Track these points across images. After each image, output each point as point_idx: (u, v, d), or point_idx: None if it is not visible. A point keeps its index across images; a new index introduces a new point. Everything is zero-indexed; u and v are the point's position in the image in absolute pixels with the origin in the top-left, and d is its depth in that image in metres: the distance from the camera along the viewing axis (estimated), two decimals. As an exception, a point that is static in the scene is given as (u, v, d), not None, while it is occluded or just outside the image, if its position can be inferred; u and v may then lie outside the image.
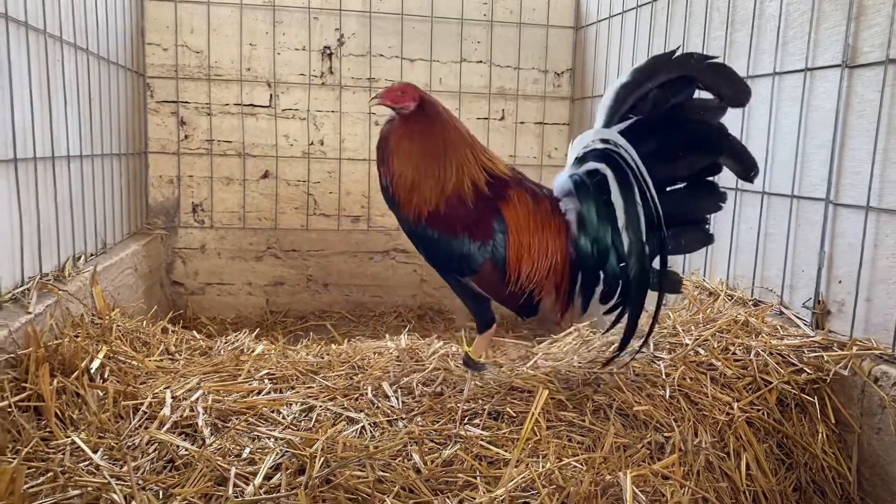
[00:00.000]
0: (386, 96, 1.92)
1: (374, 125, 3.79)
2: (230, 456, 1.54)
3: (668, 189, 1.92)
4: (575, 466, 1.54)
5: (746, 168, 1.88)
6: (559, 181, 2.00)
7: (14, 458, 1.45)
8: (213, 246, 3.76)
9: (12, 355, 1.71)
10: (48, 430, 1.62)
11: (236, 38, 3.63)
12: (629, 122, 1.89)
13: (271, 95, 3.71)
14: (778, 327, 2.15)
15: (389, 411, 1.80)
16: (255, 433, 1.64)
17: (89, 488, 1.38)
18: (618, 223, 1.82)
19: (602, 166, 1.87)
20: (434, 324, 3.62)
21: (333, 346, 2.43)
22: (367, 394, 1.90)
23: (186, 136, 3.66)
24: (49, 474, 1.42)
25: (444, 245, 1.92)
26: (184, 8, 3.56)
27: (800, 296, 2.23)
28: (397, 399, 1.87)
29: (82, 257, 2.55)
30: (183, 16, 3.57)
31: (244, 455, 1.54)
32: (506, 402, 1.87)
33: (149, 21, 3.53)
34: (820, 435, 1.91)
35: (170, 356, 2.13)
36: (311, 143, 3.78)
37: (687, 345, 2.13)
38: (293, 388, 1.95)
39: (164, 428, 1.63)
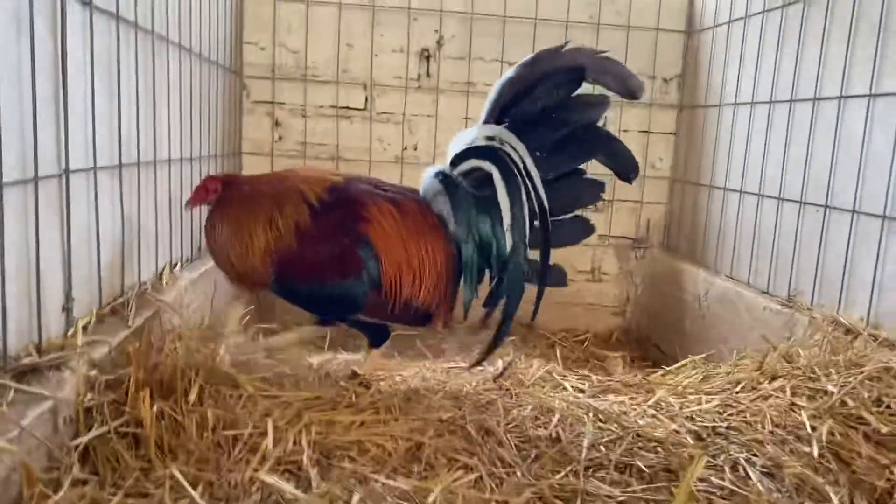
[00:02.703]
0: (195, 200, 1.98)
1: (470, 131, 3.64)
2: (339, 502, 1.41)
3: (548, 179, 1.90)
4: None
5: (623, 169, 1.93)
6: (426, 181, 2.02)
7: (115, 494, 1.35)
8: (302, 250, 3.67)
9: (112, 377, 1.62)
10: (146, 458, 1.53)
11: (334, 38, 3.53)
12: (508, 121, 1.90)
13: (367, 98, 3.60)
14: (940, 379, 1.90)
15: (504, 457, 1.65)
16: (363, 476, 1.51)
17: (191, 533, 1.27)
18: (503, 222, 1.86)
19: (487, 164, 1.88)
20: (525, 342, 3.45)
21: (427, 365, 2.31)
22: (473, 433, 1.75)
23: (280, 138, 3.59)
24: (149, 513, 1.32)
25: (319, 292, 1.91)
26: (283, 7, 3.49)
27: (964, 344, 1.97)
28: (510, 442, 1.72)
29: (178, 264, 2.48)
30: (281, 15, 3.49)
31: (353, 502, 1.41)
32: (633, 452, 1.69)
33: (248, 19, 3.47)
34: None
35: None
36: (405, 148, 3.65)
37: (832, 392, 1.90)
38: (396, 419, 1.82)
39: (267, 465, 1.51)
